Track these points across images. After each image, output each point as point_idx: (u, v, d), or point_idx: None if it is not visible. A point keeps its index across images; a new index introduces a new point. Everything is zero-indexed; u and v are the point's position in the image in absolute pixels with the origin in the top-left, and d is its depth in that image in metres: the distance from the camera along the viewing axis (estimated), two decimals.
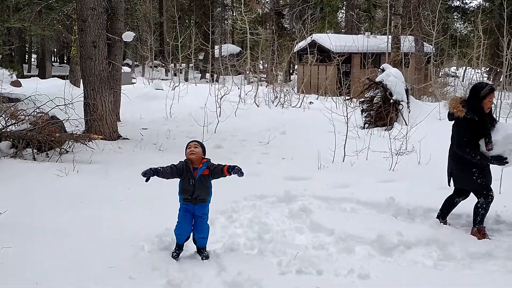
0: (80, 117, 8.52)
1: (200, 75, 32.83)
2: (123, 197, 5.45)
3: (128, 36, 9.66)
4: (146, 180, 3.77)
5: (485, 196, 4.46)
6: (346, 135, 7.96)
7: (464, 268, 3.82)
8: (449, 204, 4.81)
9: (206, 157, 4.01)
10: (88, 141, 7.75)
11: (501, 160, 4.31)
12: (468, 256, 3.96)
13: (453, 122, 4.55)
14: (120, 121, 10.56)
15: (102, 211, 5.00)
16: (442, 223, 4.72)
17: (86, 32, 8.60)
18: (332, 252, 4.15)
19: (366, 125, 10.54)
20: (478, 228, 4.48)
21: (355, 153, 7.85)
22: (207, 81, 25.77)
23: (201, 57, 33.90)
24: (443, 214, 4.82)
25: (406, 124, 9.52)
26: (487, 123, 4.39)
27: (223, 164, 3.91)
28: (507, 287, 3.53)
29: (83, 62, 8.82)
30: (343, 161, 7.62)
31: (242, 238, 4.48)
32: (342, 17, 31.54)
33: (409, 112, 10.26)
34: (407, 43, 17.85)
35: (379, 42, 19.47)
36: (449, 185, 4.77)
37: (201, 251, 4.01)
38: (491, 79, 19.39)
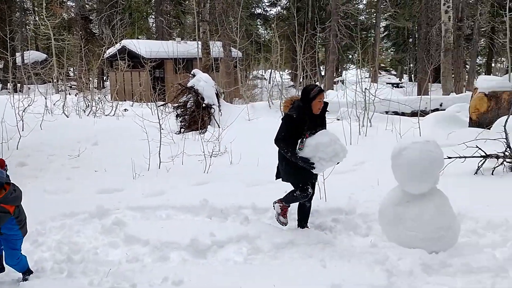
0: None
1: (1, 85, 29.43)
2: None
3: None
4: None
5: (301, 190, 4.58)
6: (160, 141, 7.94)
7: (271, 258, 4.13)
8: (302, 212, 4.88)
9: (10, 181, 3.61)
10: None
11: (308, 163, 4.41)
12: (274, 247, 4.29)
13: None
14: None
15: None
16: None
17: None
18: (147, 263, 4.11)
19: (182, 130, 10.68)
20: (283, 206, 4.69)
21: (171, 158, 7.88)
22: (9, 92, 23.25)
23: (0, 66, 30.42)
24: (301, 222, 4.86)
25: (218, 127, 9.92)
26: (306, 122, 4.47)
27: None
28: (307, 270, 3.92)
29: None
30: (159, 168, 7.59)
31: (50, 262, 4.15)
32: (153, 22, 31.46)
33: (221, 115, 10.71)
34: (216, 48, 18.61)
35: (190, 48, 19.92)
36: (276, 179, 4.97)
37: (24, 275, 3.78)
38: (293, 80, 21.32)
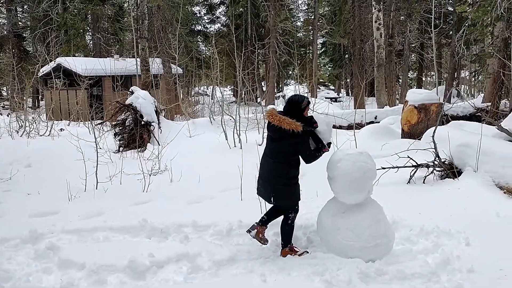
0: None
1: None
2: None
3: None
4: None
5: (295, 210, 4.59)
6: (97, 161, 7.73)
7: (211, 276, 4.10)
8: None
9: None
10: None
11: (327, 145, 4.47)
12: (215, 265, 4.27)
13: (279, 136, 4.38)
14: None
15: None
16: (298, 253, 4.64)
17: None
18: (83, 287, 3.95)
19: (121, 148, 10.44)
20: (290, 247, 4.60)
21: (109, 178, 7.68)
22: None
23: None
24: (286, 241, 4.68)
25: (158, 144, 9.79)
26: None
27: None
28: (248, 286, 3.92)
29: None
30: (96, 188, 7.37)
31: None
32: (90, 40, 30.69)
33: (161, 132, 10.58)
34: (156, 65, 18.43)
35: (129, 65, 19.61)
36: (271, 202, 4.62)
37: None
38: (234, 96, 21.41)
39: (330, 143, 4.52)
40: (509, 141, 7.11)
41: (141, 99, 10.59)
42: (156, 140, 10.27)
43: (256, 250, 4.59)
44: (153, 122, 10.66)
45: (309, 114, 4.60)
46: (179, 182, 7.58)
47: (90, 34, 28.00)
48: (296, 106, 4.47)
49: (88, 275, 4.18)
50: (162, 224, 5.39)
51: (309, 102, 4.55)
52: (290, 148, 4.39)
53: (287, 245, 4.60)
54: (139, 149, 9.94)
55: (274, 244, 4.83)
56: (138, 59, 18.21)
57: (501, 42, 12.25)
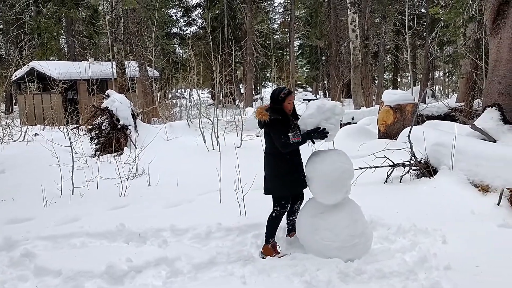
0: None
1: None
2: None
3: None
4: None
5: (281, 206, 4.60)
6: (73, 166, 7.60)
7: (190, 280, 4.06)
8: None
9: None
10: None
11: (321, 132, 4.37)
12: (194, 268, 4.23)
13: (261, 128, 4.59)
14: None
15: None
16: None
17: None
18: None
19: (97, 153, 10.30)
20: (273, 245, 4.62)
21: (85, 183, 7.56)
22: None
23: None
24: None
25: (135, 148, 9.68)
26: (290, 119, 4.49)
27: None
28: None
29: None
30: (72, 193, 7.24)
31: None
32: (65, 43, 30.20)
33: (138, 135, 10.48)
34: (132, 68, 18.26)
35: (104, 68, 19.37)
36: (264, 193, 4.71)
37: None
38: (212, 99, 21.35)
39: (323, 130, 4.37)
40: (482, 139, 7.26)
41: (117, 102, 10.48)
42: (133, 143, 10.17)
43: (236, 253, 4.57)
44: (129, 125, 10.55)
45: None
46: (157, 186, 7.51)
47: (64, 37, 27.58)
48: (275, 97, 4.54)
49: (64, 282, 4.10)
50: (140, 228, 5.31)
51: (289, 92, 4.57)
52: (269, 138, 4.54)
53: (268, 240, 4.62)
54: (115, 153, 9.82)
55: (253, 246, 4.82)
56: (114, 62, 18.01)
57: (473, 43, 12.51)
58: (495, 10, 7.88)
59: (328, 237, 4.30)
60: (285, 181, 4.53)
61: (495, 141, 7.21)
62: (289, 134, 4.37)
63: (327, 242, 4.30)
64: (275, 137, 4.44)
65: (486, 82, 8.55)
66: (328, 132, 4.39)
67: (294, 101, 4.66)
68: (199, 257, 4.43)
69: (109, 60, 18.71)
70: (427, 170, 6.88)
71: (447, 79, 26.53)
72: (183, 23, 33.74)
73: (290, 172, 4.54)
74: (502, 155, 5.89)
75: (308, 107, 4.56)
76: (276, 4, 36.00)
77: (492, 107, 7.80)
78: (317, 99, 33.41)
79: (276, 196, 4.63)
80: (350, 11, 18.65)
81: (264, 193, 4.68)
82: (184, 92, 30.54)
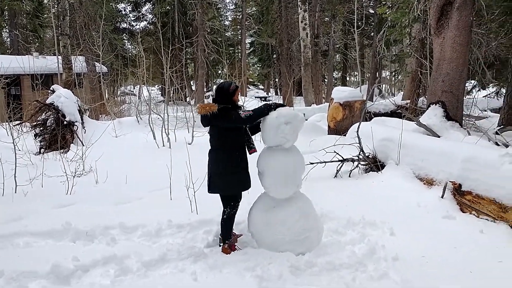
0: None
1: None
2: None
3: None
4: None
5: (232, 206, 4.50)
6: (16, 163, 7.26)
7: (140, 278, 3.96)
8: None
9: None
10: None
11: (271, 105, 4.32)
12: (144, 266, 4.13)
13: (206, 123, 4.38)
14: None
15: None
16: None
17: None
18: None
19: (42, 150, 9.91)
20: (229, 245, 4.53)
21: (29, 181, 7.25)
22: None
23: None
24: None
25: (82, 145, 9.39)
26: (239, 108, 4.39)
27: None
28: (178, 285, 3.84)
29: None
30: (15, 192, 6.92)
31: None
32: (7, 37, 28.83)
33: (85, 132, 10.17)
34: (79, 63, 17.69)
35: (50, 63, 18.66)
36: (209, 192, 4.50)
37: None
38: (162, 95, 21.00)
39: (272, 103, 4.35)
40: (427, 135, 7.52)
41: (63, 98, 10.13)
42: (80, 140, 9.87)
43: (187, 250, 4.50)
44: (76, 122, 10.23)
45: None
46: (105, 184, 7.30)
47: (7, 30, 26.35)
48: (224, 91, 4.37)
49: (7, 283, 3.90)
50: (87, 227, 5.14)
51: (237, 87, 4.45)
52: (217, 131, 4.37)
53: (224, 241, 4.56)
54: (61, 150, 9.49)
55: (204, 242, 4.78)
56: (60, 57, 17.39)
57: (418, 43, 12.94)
58: (439, 10, 8.17)
59: (280, 231, 4.32)
60: (235, 178, 4.39)
61: (439, 137, 7.49)
62: (240, 113, 4.29)
63: (279, 236, 4.32)
64: (232, 120, 4.25)
65: (430, 81, 8.87)
66: (274, 109, 4.33)
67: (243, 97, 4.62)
68: (149, 254, 4.34)
69: (55, 55, 18.04)
70: (375, 164, 7.06)
71: (393, 78, 27.38)
72: (132, 18, 33.02)
73: (243, 169, 4.43)
74: (445, 150, 6.13)
75: (273, 112, 4.40)
76: (227, 1, 35.88)
77: (436, 104, 8.10)
78: (269, 97, 33.65)
79: (226, 195, 4.50)
80: (301, 9, 18.88)
81: (209, 192, 4.48)
82: (133, 88, 29.90)
